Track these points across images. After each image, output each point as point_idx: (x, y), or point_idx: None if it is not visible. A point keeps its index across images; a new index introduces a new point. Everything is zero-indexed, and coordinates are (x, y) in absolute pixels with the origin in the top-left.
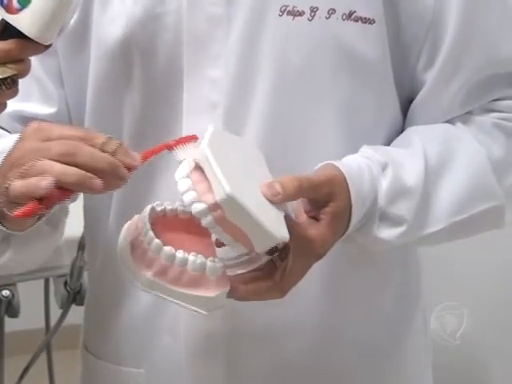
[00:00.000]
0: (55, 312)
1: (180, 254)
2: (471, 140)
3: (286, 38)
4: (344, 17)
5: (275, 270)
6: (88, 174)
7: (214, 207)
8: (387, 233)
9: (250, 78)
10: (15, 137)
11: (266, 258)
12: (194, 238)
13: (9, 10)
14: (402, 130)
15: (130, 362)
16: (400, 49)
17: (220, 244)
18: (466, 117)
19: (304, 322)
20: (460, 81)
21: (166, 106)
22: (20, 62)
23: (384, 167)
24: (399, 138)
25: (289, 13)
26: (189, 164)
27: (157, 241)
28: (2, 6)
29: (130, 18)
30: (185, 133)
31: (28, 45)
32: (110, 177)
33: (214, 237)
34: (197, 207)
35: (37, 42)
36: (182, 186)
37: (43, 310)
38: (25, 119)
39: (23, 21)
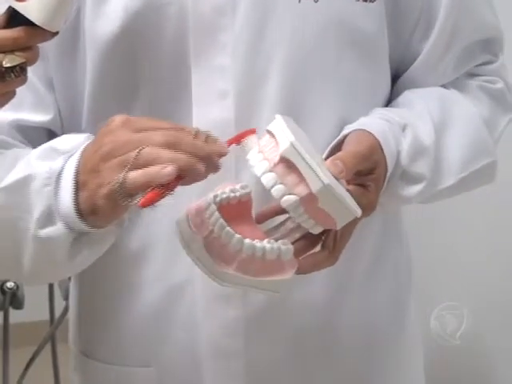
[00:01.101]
0: (59, 304)
1: (258, 243)
2: (465, 100)
3: (293, 21)
4: None
5: (318, 236)
6: (194, 159)
7: (308, 198)
8: (408, 190)
9: (260, 63)
10: (83, 137)
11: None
12: (242, 222)
13: None
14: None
15: (137, 361)
16: (396, 23)
17: (261, 220)
18: (454, 81)
19: (312, 301)
20: (454, 49)
21: (174, 97)
22: (28, 50)
23: (403, 128)
24: (399, 100)
25: None
26: (264, 156)
27: (238, 236)
28: None
29: (130, 12)
30: (195, 122)
31: (36, 32)
32: (207, 164)
33: (253, 214)
34: (289, 199)
35: (44, 30)
36: (267, 181)
37: (47, 301)
38: (22, 129)
39: (31, 8)
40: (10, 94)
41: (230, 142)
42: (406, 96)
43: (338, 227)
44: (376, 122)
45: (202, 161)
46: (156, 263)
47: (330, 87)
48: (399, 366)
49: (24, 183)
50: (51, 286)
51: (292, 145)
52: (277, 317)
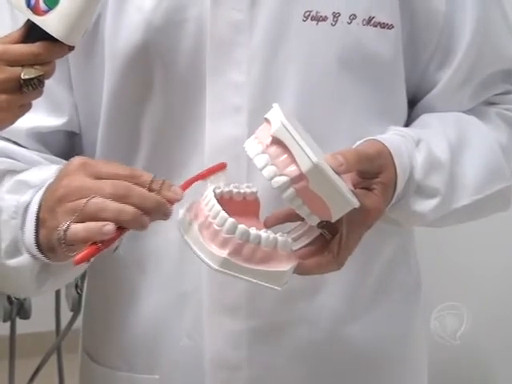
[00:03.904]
0: (66, 314)
1: (253, 230)
2: (482, 125)
3: (310, 43)
4: (364, 22)
5: (326, 243)
6: (139, 211)
7: (298, 178)
8: (423, 205)
9: (274, 81)
10: (54, 169)
11: (316, 233)
12: (246, 219)
13: (36, 11)
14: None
15: (142, 369)
16: (412, 51)
17: (269, 225)
18: (472, 108)
19: (316, 315)
20: (473, 80)
21: (187, 111)
22: (46, 63)
23: (417, 143)
24: (416, 122)
25: (313, 18)
26: (259, 140)
27: (231, 220)
28: (28, 7)
29: (150, 26)
30: (208, 136)
31: (55, 48)
32: (157, 214)
33: (261, 218)
34: (278, 181)
35: (63, 44)
36: (259, 161)
37: (54, 312)
38: (40, 136)
39: (50, 22)
40: (27, 106)
41: (201, 176)
42: (423, 119)
43: (334, 218)
44: (389, 136)
45: (150, 211)
46: (163, 272)
47: (344, 109)
48: (404, 382)
49: None
50: (58, 297)
51: (283, 124)
52: (280, 330)
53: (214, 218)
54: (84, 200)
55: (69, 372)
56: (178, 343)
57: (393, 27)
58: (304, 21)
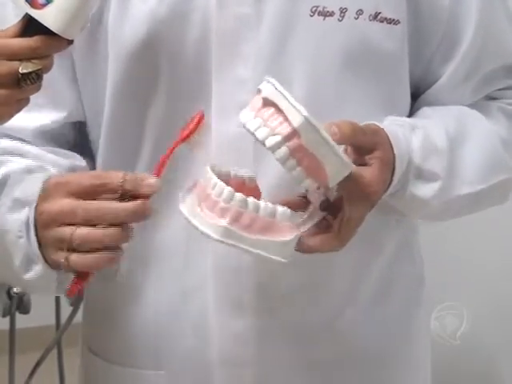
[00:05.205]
0: (66, 309)
1: (251, 199)
2: (484, 119)
3: (317, 38)
4: (371, 17)
5: (329, 227)
6: (119, 229)
7: (291, 135)
8: (423, 190)
9: (280, 77)
10: (40, 181)
11: (319, 216)
12: None
13: (34, 4)
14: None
15: (149, 365)
16: (417, 45)
17: None
18: (474, 103)
19: (323, 313)
20: (476, 75)
21: (192, 106)
22: (44, 57)
23: (414, 128)
24: (416, 114)
25: (320, 13)
26: (253, 106)
27: (229, 188)
28: (27, 1)
29: (155, 18)
30: (214, 132)
31: (53, 41)
32: (137, 219)
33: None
34: (271, 140)
35: (61, 38)
36: (252, 124)
37: (54, 306)
38: (46, 134)
39: (48, 16)
40: (25, 101)
41: (182, 139)
42: (424, 111)
43: (331, 182)
44: (387, 124)
45: (128, 221)
46: (168, 267)
47: (349, 103)
48: (406, 378)
49: (1, 236)
50: None
51: (273, 85)
52: (288, 327)
53: (212, 188)
54: (68, 232)
55: (69, 366)
56: (183, 340)
57: (399, 23)
58: (311, 16)
